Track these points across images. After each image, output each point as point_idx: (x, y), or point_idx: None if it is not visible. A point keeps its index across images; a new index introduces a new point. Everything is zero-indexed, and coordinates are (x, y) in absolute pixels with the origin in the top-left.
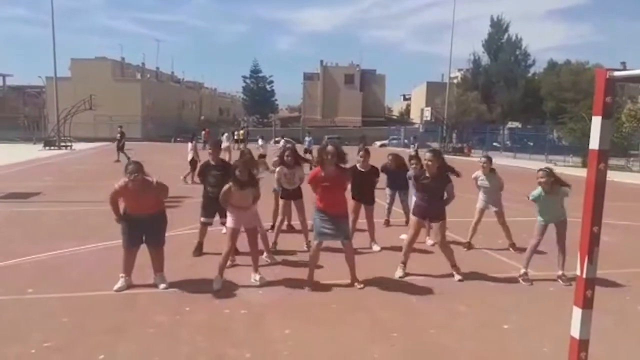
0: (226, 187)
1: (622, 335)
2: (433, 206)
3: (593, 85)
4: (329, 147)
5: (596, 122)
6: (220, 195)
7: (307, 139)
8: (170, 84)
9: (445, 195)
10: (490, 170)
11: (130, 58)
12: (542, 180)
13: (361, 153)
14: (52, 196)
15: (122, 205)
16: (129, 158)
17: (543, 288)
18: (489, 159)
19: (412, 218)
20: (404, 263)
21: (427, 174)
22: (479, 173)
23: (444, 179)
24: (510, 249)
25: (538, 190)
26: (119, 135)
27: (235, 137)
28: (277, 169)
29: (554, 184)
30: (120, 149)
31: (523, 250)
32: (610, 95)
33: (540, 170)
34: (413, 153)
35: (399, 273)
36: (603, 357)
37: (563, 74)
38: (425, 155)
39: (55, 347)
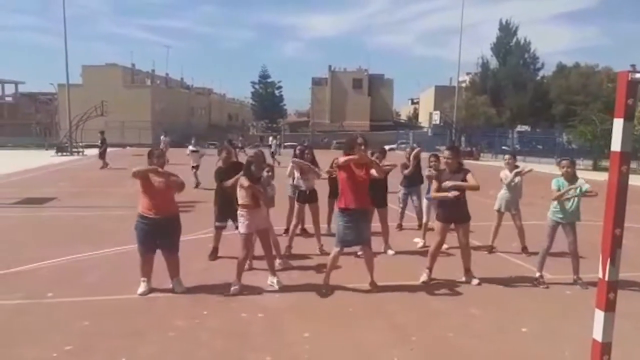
0: (241, 179)
1: None
2: (457, 208)
3: (603, 88)
4: (360, 138)
5: (618, 124)
6: (232, 180)
7: (273, 142)
8: (180, 90)
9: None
10: (514, 167)
11: (140, 64)
12: (566, 170)
13: (377, 155)
14: (67, 201)
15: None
16: (106, 165)
17: (560, 291)
18: (513, 156)
19: (437, 224)
20: (430, 269)
21: (448, 171)
22: (506, 172)
23: (464, 172)
24: (523, 252)
25: (555, 180)
26: (100, 141)
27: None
28: (294, 159)
29: (574, 175)
30: (102, 155)
31: (535, 253)
32: (632, 97)
33: (565, 159)
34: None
35: (423, 278)
36: None
37: (572, 77)
38: (444, 153)
39: (76, 351)
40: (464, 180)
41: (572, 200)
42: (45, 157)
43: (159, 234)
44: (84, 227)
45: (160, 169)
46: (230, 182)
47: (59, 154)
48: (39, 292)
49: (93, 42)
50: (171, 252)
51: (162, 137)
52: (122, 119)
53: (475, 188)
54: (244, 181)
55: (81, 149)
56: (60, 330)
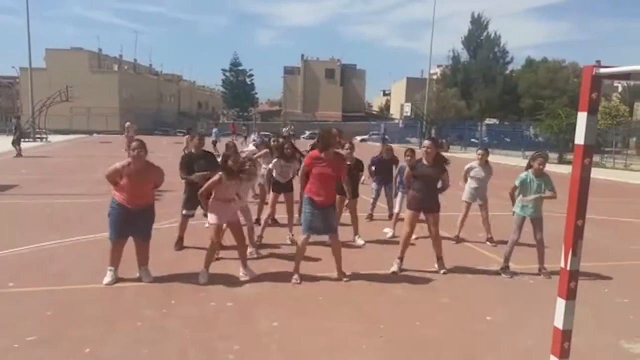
0: (216, 177)
1: (599, 327)
2: (428, 197)
3: (569, 83)
4: (334, 130)
5: (582, 117)
6: (206, 185)
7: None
8: (149, 76)
9: (440, 184)
10: (485, 162)
11: (108, 49)
12: (539, 167)
13: (347, 145)
14: (30, 189)
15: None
16: (19, 152)
17: (524, 281)
18: (487, 150)
19: (407, 212)
20: (401, 259)
21: (425, 162)
22: (474, 164)
23: (440, 166)
24: (488, 242)
25: (524, 173)
26: (14, 127)
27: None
28: (274, 161)
29: (543, 172)
30: (17, 141)
31: (500, 243)
32: (596, 92)
33: (540, 155)
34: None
35: (394, 268)
36: (581, 348)
37: (540, 72)
38: (424, 142)
39: (39, 341)
40: (439, 175)
41: (538, 187)
42: (6, 143)
43: (133, 221)
44: (48, 215)
45: (138, 155)
46: (196, 176)
47: (21, 140)
48: (0, 281)
49: (59, 24)
50: (144, 240)
51: (127, 124)
52: (88, 105)
53: (444, 189)
54: (217, 178)
55: (44, 135)
56: (22, 320)
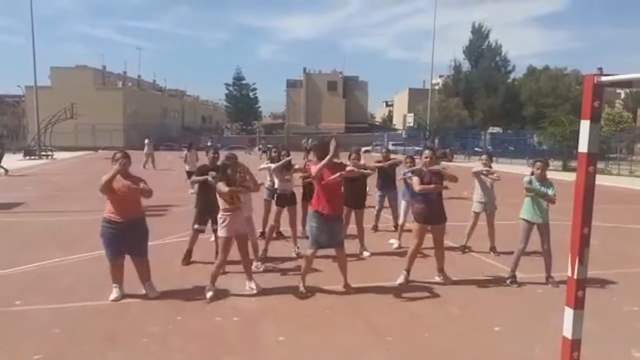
0: (219, 185)
1: (609, 336)
2: (435, 208)
3: (571, 91)
4: (333, 141)
5: (585, 126)
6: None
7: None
8: (153, 92)
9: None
10: (490, 167)
11: (112, 66)
12: (538, 171)
13: (354, 155)
14: (35, 206)
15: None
16: (6, 171)
17: (531, 290)
18: (490, 156)
19: (415, 225)
20: (408, 271)
21: (427, 170)
22: (480, 167)
23: (439, 171)
24: (491, 252)
25: (528, 177)
26: None
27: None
28: (274, 166)
29: (546, 177)
30: None
31: (504, 253)
32: (598, 100)
33: (539, 160)
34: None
35: (400, 279)
36: (591, 357)
37: (542, 80)
38: (424, 152)
39: (46, 359)
40: (440, 180)
41: (543, 201)
42: (12, 161)
43: (126, 238)
44: (53, 232)
45: (123, 164)
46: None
47: (27, 157)
48: (7, 299)
49: (64, 43)
50: (140, 256)
51: (146, 141)
52: (93, 122)
53: (454, 179)
54: (222, 187)
55: (50, 153)
56: (28, 338)
